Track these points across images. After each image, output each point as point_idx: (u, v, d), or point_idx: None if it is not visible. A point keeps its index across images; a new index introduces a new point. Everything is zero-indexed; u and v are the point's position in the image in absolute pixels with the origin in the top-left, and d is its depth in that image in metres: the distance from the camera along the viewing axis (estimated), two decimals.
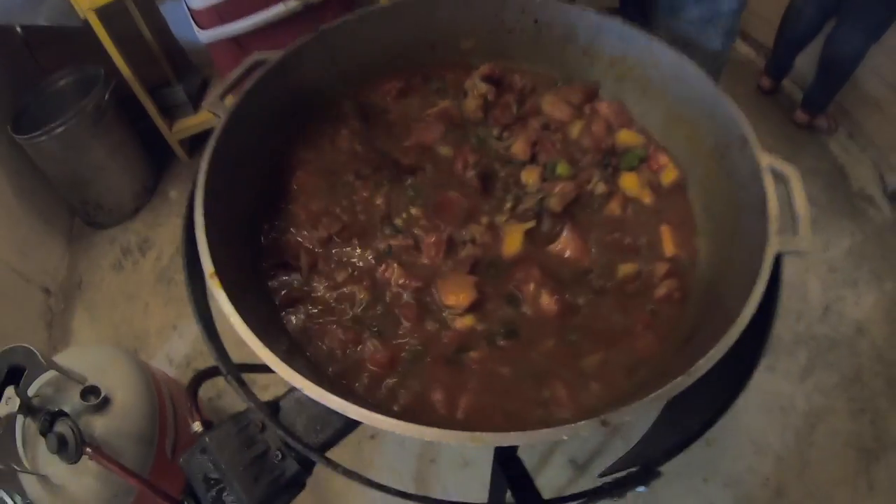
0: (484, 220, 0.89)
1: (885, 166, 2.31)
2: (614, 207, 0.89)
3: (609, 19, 0.91)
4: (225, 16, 1.92)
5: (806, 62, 2.33)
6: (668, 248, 0.85)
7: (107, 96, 2.07)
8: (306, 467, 0.71)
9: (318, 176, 0.93)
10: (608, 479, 0.67)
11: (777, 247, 0.65)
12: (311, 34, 0.80)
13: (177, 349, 1.97)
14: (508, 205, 0.90)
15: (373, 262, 0.85)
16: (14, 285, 1.94)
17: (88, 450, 1.07)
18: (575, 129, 0.97)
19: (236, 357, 0.74)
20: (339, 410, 0.57)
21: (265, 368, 0.59)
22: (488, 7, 0.95)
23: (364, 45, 0.97)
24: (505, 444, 0.57)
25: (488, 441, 0.54)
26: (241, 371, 0.69)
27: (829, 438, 1.73)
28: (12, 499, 1.19)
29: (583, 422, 0.53)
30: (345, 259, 0.86)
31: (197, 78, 2.37)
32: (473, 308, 0.80)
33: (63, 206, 2.31)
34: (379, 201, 0.91)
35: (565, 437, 0.52)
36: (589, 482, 0.71)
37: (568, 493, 0.86)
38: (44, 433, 1.06)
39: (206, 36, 1.95)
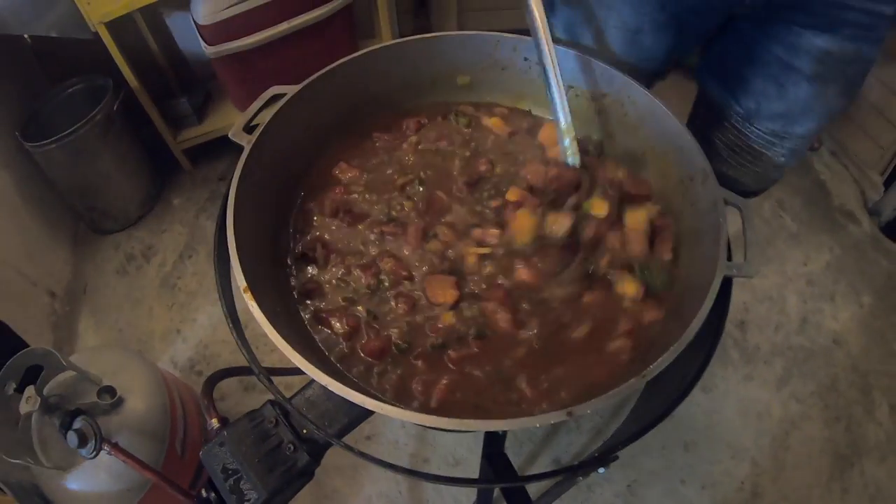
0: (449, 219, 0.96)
1: (867, 183, 2.40)
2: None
3: (591, 60, 0.99)
4: (232, 32, 1.99)
5: None
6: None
7: (115, 107, 2.13)
8: (316, 458, 0.78)
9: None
10: (575, 462, 0.76)
11: (725, 270, 0.74)
12: (325, 69, 0.89)
13: (181, 353, 2.02)
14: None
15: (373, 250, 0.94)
16: (21, 288, 1.98)
17: (106, 446, 1.15)
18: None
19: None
20: (374, 409, 0.65)
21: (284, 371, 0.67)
22: (484, 47, 1.04)
23: (374, 79, 1.06)
24: (489, 430, 0.66)
25: (478, 426, 0.62)
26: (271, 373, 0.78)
27: (805, 444, 1.80)
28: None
29: (552, 412, 0.61)
30: (351, 244, 0.95)
31: (201, 90, 2.43)
32: (454, 306, 0.88)
33: (69, 211, 2.35)
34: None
35: (538, 425, 0.60)
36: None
37: (553, 490, 0.97)
38: (65, 430, 1.14)
39: (212, 51, 2.02)
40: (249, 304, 0.72)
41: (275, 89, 0.94)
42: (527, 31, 0.93)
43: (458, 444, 1.79)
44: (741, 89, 1.15)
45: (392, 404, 0.65)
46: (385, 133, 1.09)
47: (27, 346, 1.78)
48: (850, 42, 0.99)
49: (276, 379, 0.79)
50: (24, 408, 1.14)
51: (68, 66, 2.23)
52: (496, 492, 1.52)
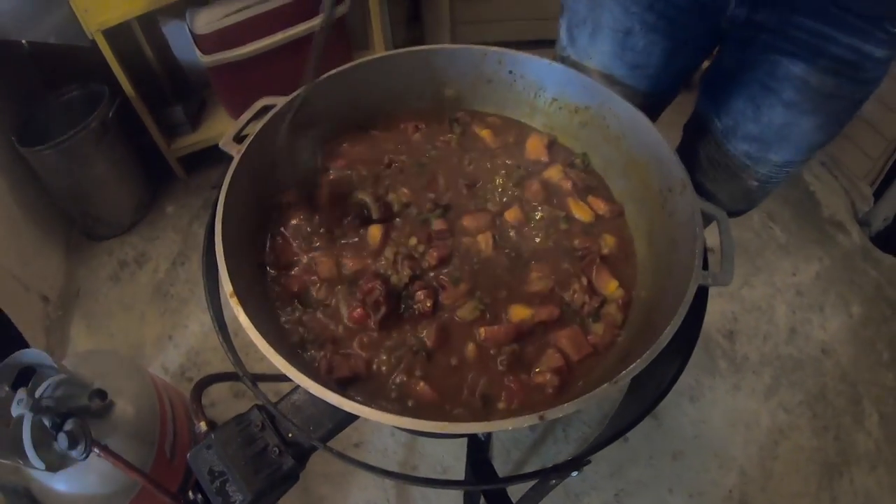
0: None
1: (856, 194, 2.43)
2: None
3: (574, 73, 1.02)
4: (227, 42, 2.01)
5: None
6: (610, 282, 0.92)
7: (111, 114, 2.14)
8: (300, 462, 0.80)
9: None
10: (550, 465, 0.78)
11: (700, 280, 0.76)
12: (313, 81, 0.90)
13: (172, 359, 2.03)
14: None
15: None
16: (14, 292, 1.98)
17: (96, 448, 1.15)
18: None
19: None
20: (354, 412, 0.67)
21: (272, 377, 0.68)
22: (471, 59, 1.06)
23: (363, 91, 1.08)
24: (471, 432, 0.68)
25: (462, 429, 0.64)
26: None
27: (793, 453, 1.81)
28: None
29: (524, 416, 0.63)
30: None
31: (196, 98, 2.45)
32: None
33: (63, 217, 2.36)
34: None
35: (510, 428, 0.62)
36: None
37: (530, 493, 0.99)
38: (56, 432, 1.15)
39: (207, 60, 2.04)
40: (235, 309, 0.74)
41: (265, 100, 0.96)
42: (515, 43, 0.95)
43: (446, 453, 1.80)
44: (724, 106, 1.17)
45: (372, 407, 0.66)
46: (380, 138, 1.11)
47: (27, 344, 1.80)
48: (830, 76, 0.99)
49: (266, 386, 0.81)
50: (15, 409, 1.15)
51: (65, 73, 2.24)
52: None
